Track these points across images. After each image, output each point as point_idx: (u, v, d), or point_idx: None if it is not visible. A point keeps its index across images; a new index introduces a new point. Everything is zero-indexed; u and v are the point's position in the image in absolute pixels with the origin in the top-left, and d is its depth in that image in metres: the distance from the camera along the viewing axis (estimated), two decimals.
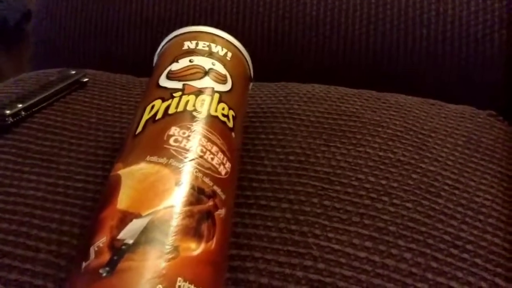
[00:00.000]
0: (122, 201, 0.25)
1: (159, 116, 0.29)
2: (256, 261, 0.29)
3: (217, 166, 0.28)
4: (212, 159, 0.28)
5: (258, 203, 0.33)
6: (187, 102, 0.30)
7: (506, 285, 0.28)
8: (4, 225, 0.33)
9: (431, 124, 0.41)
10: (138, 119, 0.31)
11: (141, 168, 0.27)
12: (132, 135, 0.30)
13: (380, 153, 0.37)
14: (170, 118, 0.29)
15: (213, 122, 0.30)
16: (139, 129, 0.30)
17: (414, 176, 0.35)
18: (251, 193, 0.34)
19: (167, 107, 0.30)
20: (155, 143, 0.28)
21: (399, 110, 0.42)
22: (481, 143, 0.40)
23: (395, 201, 0.33)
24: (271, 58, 0.57)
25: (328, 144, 0.38)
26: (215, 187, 0.27)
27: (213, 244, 0.24)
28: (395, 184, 0.34)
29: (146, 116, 0.30)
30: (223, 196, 0.27)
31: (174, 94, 0.31)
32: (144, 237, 0.23)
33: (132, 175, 0.26)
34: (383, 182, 0.34)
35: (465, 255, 0.30)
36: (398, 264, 0.29)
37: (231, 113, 0.32)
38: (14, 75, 0.57)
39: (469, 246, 0.30)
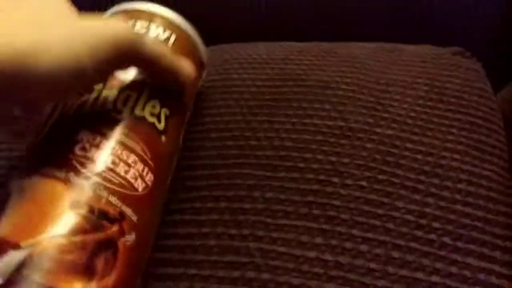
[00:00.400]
0: (2, 225, 0.20)
1: (69, 115, 0.24)
2: (191, 279, 0.25)
3: (132, 180, 0.23)
4: (127, 172, 0.23)
5: (193, 207, 0.29)
6: (106, 98, 0.25)
7: (480, 264, 0.25)
8: None
9: (388, 76, 0.36)
10: (46, 118, 0.25)
11: (33, 183, 0.22)
12: (36, 137, 0.25)
13: (329, 123, 0.32)
14: (82, 119, 0.24)
15: (137, 124, 0.25)
16: (45, 130, 0.24)
17: (368, 145, 0.30)
18: (186, 195, 0.29)
19: (82, 105, 0.24)
20: (58, 150, 0.23)
21: (351, 63, 0.37)
22: (446, 89, 0.35)
23: (347, 181, 0.28)
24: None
25: (271, 120, 0.33)
26: (124, 208, 0.22)
27: (110, 280, 0.20)
28: (346, 160, 0.29)
29: (56, 115, 0.25)
30: (134, 218, 0.23)
31: (95, 87, 0.25)
32: (18, 275, 0.19)
33: (21, 192, 0.22)
34: (333, 159, 0.29)
35: (432, 236, 0.26)
36: (353, 261, 0.25)
37: (164, 112, 0.26)
38: None
39: (436, 224, 0.26)
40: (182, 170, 0.31)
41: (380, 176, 0.28)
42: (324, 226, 0.26)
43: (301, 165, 0.29)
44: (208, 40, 0.45)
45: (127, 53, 0.23)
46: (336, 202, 0.27)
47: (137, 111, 0.25)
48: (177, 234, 0.27)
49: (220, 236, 0.27)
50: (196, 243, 0.27)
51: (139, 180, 0.24)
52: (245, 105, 0.34)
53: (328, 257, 0.25)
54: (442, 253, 0.25)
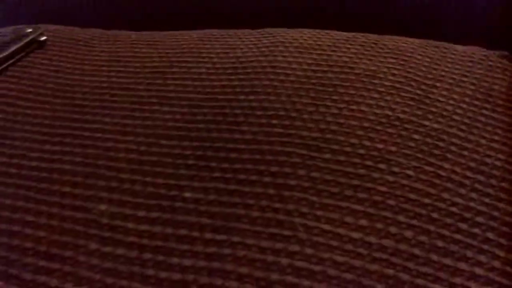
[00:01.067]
0: None
1: None
2: (234, 247, 0.25)
3: None
4: None
5: (237, 178, 0.29)
6: None
7: None
8: None
9: (435, 72, 0.36)
10: None
11: None
12: None
13: (377, 111, 0.32)
14: None
15: None
16: None
17: (415, 136, 0.30)
18: (229, 166, 0.29)
19: None
20: None
21: (399, 56, 0.37)
22: (492, 91, 0.35)
23: (394, 168, 0.28)
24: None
25: (316, 103, 0.33)
26: None
27: None
28: (393, 148, 0.29)
29: None
30: None
31: None
32: None
33: None
34: (380, 146, 0.29)
35: (476, 230, 0.26)
36: (397, 245, 0.25)
37: None
38: None
39: (479, 219, 0.26)
40: (226, 141, 0.31)
41: (427, 167, 0.28)
42: (369, 210, 0.26)
43: (348, 149, 0.29)
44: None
45: None
46: (382, 188, 0.27)
47: None
48: (221, 202, 0.27)
49: (264, 209, 0.27)
50: (240, 212, 0.27)
51: None
52: (290, 87, 0.35)
53: (372, 239, 0.25)
54: (485, 247, 0.25)
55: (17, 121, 0.35)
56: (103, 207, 0.28)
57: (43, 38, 0.43)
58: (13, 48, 0.42)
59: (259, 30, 0.43)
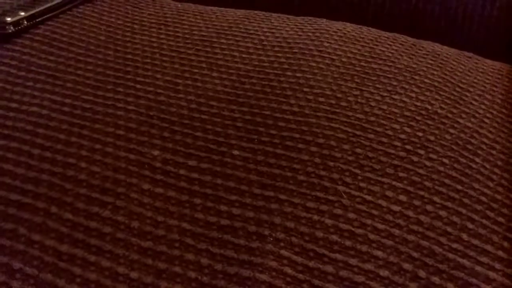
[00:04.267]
0: None
1: None
2: (282, 203, 0.27)
3: None
4: None
5: (284, 144, 0.30)
6: None
7: None
8: (3, 142, 0.30)
9: (469, 78, 0.38)
10: None
11: None
12: None
13: (417, 103, 0.34)
14: None
15: None
16: None
17: (451, 131, 0.32)
18: (277, 132, 0.31)
19: None
20: None
21: (436, 59, 0.39)
22: None
23: (431, 155, 0.30)
24: None
25: (361, 89, 0.35)
26: None
27: None
28: (432, 138, 0.31)
29: None
30: None
31: None
32: None
33: None
34: (420, 134, 0.32)
35: (501, 219, 0.28)
36: (433, 222, 0.27)
37: None
38: None
39: (504, 210, 0.29)
40: (273, 110, 0.33)
41: (460, 159, 0.31)
42: (408, 188, 0.28)
43: (390, 132, 0.31)
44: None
45: None
46: (421, 171, 0.29)
47: None
48: (269, 163, 0.29)
49: (310, 174, 0.29)
50: (287, 174, 0.29)
51: None
52: (336, 71, 0.36)
53: (410, 213, 0.27)
54: (510, 235, 0.27)
55: (69, 65, 0.37)
56: (156, 152, 0.30)
57: None
58: None
59: (302, 17, 0.45)
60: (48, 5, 0.40)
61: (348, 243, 0.25)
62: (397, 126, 0.32)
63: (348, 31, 0.42)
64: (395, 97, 0.34)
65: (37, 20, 0.39)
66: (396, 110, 0.33)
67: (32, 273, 0.25)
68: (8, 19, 0.38)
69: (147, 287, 0.24)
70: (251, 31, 0.42)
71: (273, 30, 0.42)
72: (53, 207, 0.27)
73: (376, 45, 0.40)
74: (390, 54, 0.38)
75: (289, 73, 0.36)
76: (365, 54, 0.38)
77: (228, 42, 0.40)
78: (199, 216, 0.27)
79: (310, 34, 0.41)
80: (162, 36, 0.41)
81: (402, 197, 0.28)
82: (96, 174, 0.29)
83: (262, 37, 0.41)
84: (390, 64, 0.37)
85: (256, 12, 0.46)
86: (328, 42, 0.40)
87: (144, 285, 0.24)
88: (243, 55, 0.38)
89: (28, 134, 0.31)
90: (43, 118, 0.32)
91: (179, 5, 0.47)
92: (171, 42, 0.40)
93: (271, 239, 0.26)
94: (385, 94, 0.34)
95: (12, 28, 0.38)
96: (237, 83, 0.35)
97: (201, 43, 0.40)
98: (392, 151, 0.30)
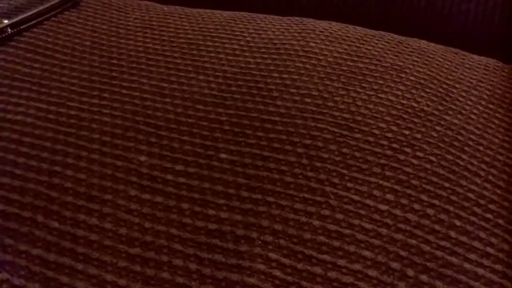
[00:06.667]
0: None
1: None
2: (269, 206, 0.27)
3: None
4: None
5: (271, 146, 0.30)
6: None
7: None
8: None
9: (455, 74, 0.38)
10: None
11: None
12: None
13: (403, 101, 0.34)
14: None
15: None
16: None
17: (438, 128, 0.32)
18: (264, 134, 0.31)
19: None
20: None
21: (422, 56, 0.39)
22: (505, 98, 0.37)
23: (418, 153, 0.30)
24: None
25: (347, 88, 0.35)
26: None
27: None
28: (418, 136, 0.31)
29: None
30: None
31: None
32: None
33: None
34: (406, 132, 0.32)
35: (488, 215, 0.28)
36: (420, 220, 0.27)
37: None
38: None
39: (492, 206, 0.29)
40: (260, 112, 0.33)
41: (447, 156, 0.31)
42: (395, 187, 0.28)
43: (376, 132, 0.31)
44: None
45: None
46: (407, 169, 0.29)
47: None
48: (256, 166, 0.29)
49: (297, 176, 0.29)
50: (275, 176, 0.28)
51: None
52: (323, 71, 0.36)
53: (397, 212, 0.27)
54: (496, 231, 0.27)
55: (54, 72, 0.36)
56: (142, 158, 0.30)
57: None
58: (49, 3, 0.42)
59: (288, 17, 0.45)
60: (32, 12, 0.40)
61: (336, 243, 0.25)
62: (383, 125, 0.32)
63: (334, 31, 0.42)
64: (381, 95, 0.34)
65: (22, 27, 0.39)
66: (382, 109, 0.33)
67: (20, 283, 0.24)
68: None
69: None
70: (237, 33, 0.41)
71: (260, 31, 0.42)
72: (39, 216, 0.27)
73: (362, 44, 0.40)
74: (376, 53, 0.39)
75: (275, 74, 0.36)
76: (351, 53, 0.38)
77: (214, 44, 0.40)
78: (186, 221, 0.27)
79: (296, 34, 0.41)
80: (147, 40, 0.40)
81: (390, 196, 0.28)
82: (83, 182, 0.28)
83: (249, 39, 0.41)
84: (376, 62, 0.37)
85: (242, 13, 0.46)
86: (314, 42, 0.40)
87: None
88: (229, 57, 0.38)
89: (13, 143, 0.31)
90: (28, 126, 0.32)
91: (165, 8, 0.46)
92: (157, 46, 0.40)
93: (259, 242, 0.25)
94: (371, 93, 0.34)
95: None
96: (223, 85, 0.35)
97: (187, 46, 0.40)
98: (379, 150, 0.30)
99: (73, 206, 0.27)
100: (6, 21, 0.38)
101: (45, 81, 0.35)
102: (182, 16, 0.45)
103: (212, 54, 0.39)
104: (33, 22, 0.40)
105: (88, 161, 0.29)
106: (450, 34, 0.52)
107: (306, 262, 0.25)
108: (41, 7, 0.41)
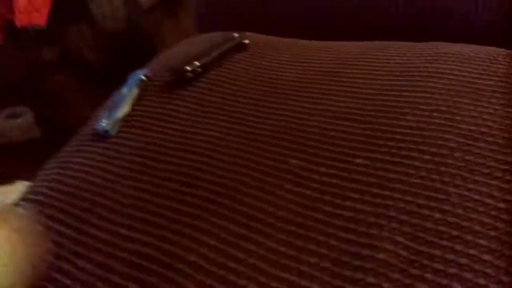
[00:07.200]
0: None
1: None
2: (397, 201, 0.33)
3: None
4: None
5: (400, 153, 0.36)
6: None
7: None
8: (187, 160, 0.42)
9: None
10: None
11: None
12: None
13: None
14: None
15: None
16: None
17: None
18: (394, 144, 0.37)
19: None
20: None
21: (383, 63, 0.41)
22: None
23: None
24: None
25: (475, 104, 0.39)
26: None
27: None
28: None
29: None
30: None
31: None
32: None
33: None
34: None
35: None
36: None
37: None
38: (175, 41, 0.66)
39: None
40: (392, 126, 0.39)
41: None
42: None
43: (500, 141, 0.35)
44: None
45: None
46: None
47: None
48: (387, 169, 0.35)
49: (423, 178, 0.34)
50: (402, 178, 0.34)
51: None
52: (453, 89, 0.41)
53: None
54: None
55: (230, 99, 0.48)
56: (294, 161, 0.38)
57: (246, 41, 0.56)
58: (225, 48, 0.55)
59: (423, 43, 0.50)
60: (214, 55, 0.53)
61: (455, 232, 0.30)
62: (508, 135, 0.35)
63: (466, 52, 0.45)
64: (509, 110, 0.37)
65: (207, 67, 0.52)
66: (508, 122, 0.36)
67: None
68: (187, 67, 0.51)
69: (290, 257, 0.32)
70: (373, 60, 0.48)
71: (395, 57, 0.48)
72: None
73: (493, 63, 0.43)
74: (505, 70, 0.41)
75: (406, 93, 0.42)
76: (482, 72, 0.42)
77: (352, 71, 0.47)
78: (328, 209, 0.34)
79: (429, 58, 0.46)
80: (300, 70, 0.50)
81: (509, 197, 0.31)
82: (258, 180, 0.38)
83: (384, 64, 0.47)
84: (505, 80, 0.40)
85: (374, 43, 0.52)
86: (446, 64, 0.44)
87: (286, 256, 0.32)
88: (367, 81, 0.45)
89: (205, 157, 0.42)
90: (216, 139, 0.43)
91: (307, 43, 0.55)
92: (308, 75, 0.49)
93: (388, 228, 0.31)
94: (497, 107, 0.38)
95: (190, 74, 0.51)
96: (360, 105, 0.42)
97: (330, 74, 0.48)
98: (501, 158, 0.34)
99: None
100: (196, 63, 0.52)
101: (225, 106, 0.47)
102: (322, 48, 0.53)
103: (352, 80, 0.46)
104: (215, 63, 0.53)
105: (253, 161, 0.39)
106: None
107: (428, 245, 0.30)
108: (219, 51, 0.54)
